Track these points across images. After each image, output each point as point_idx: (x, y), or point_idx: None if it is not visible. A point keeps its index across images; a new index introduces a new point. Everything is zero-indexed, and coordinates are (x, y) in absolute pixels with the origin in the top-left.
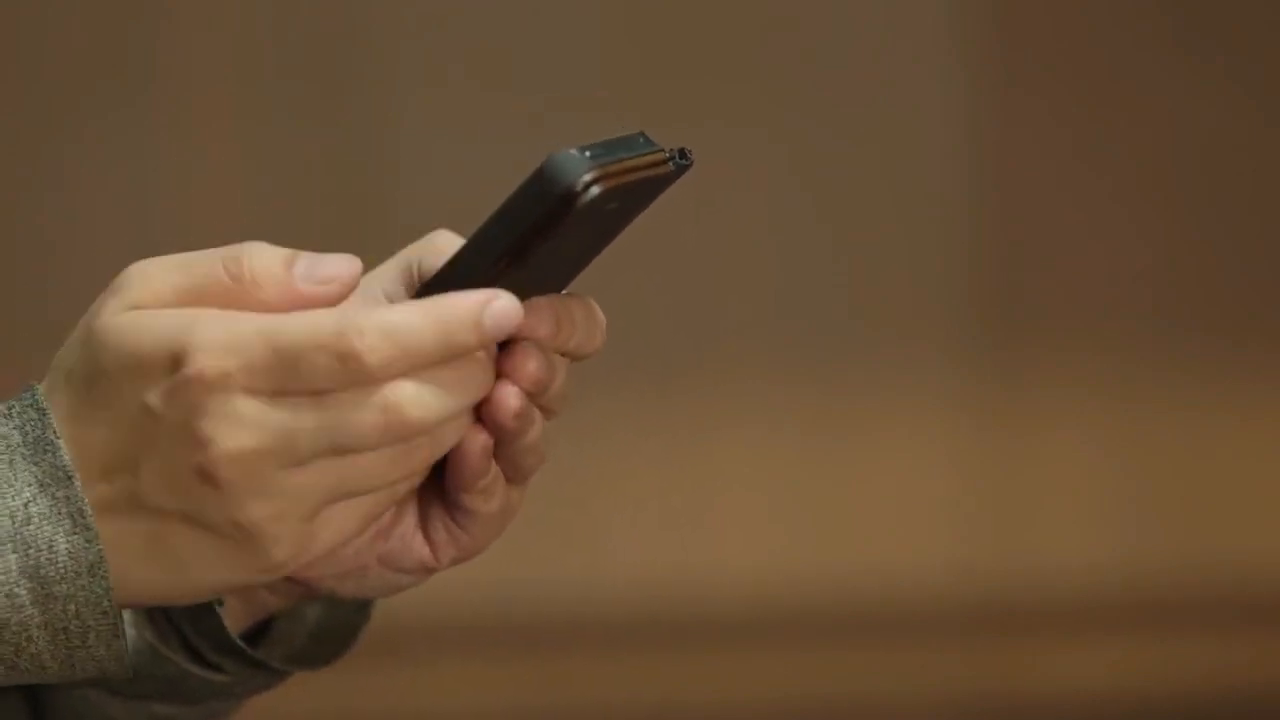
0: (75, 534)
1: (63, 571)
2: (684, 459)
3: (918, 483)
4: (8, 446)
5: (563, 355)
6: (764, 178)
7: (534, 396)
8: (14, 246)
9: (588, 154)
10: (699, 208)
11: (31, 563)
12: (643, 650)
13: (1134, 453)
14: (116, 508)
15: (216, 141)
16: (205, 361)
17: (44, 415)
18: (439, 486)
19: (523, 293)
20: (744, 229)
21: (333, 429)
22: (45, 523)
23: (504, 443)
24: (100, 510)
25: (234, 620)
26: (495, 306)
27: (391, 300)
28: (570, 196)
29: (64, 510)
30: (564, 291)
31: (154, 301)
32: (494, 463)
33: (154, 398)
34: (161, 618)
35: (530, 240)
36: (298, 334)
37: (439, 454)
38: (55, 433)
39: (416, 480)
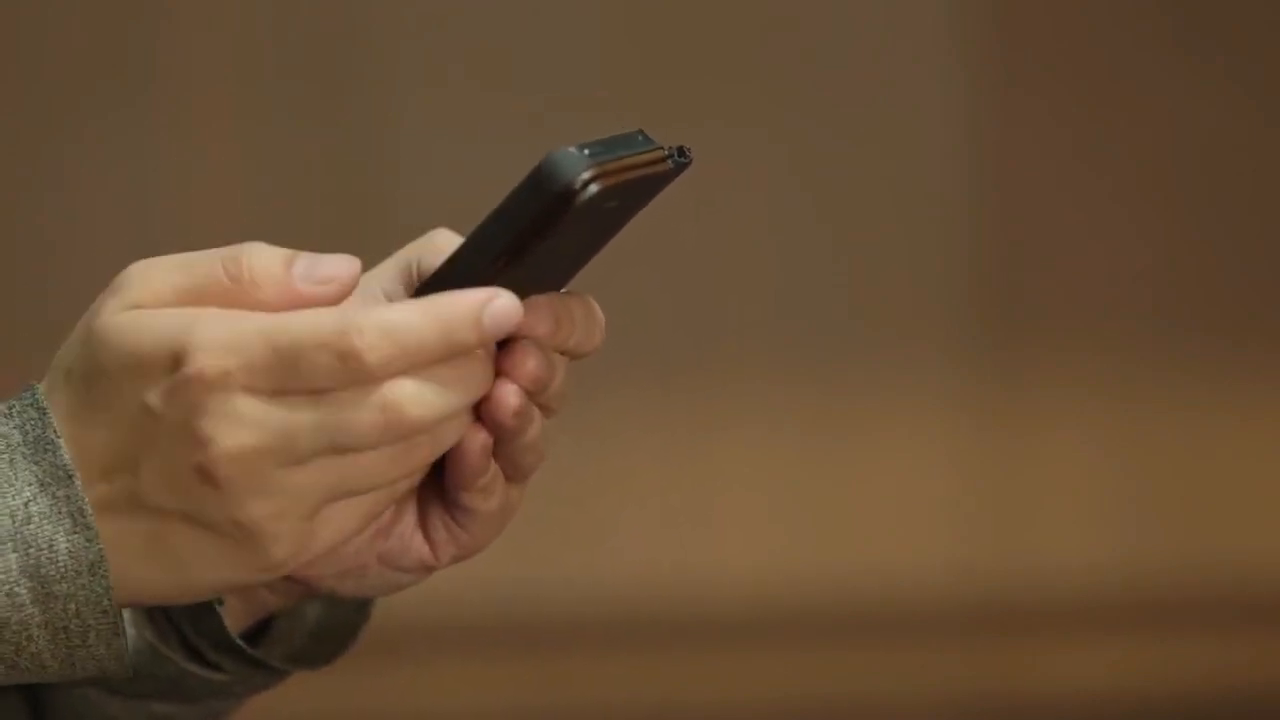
0: (75, 533)
1: (63, 570)
2: (684, 458)
3: (918, 483)
4: (8, 446)
5: (562, 353)
6: (764, 178)
7: (533, 395)
8: (14, 246)
9: (586, 152)
10: (699, 208)
11: (32, 562)
12: (643, 650)
13: (1134, 453)
14: (116, 507)
15: (216, 141)
16: (205, 360)
17: (44, 414)
18: (439, 485)
19: (522, 291)
20: (744, 229)
21: (332, 428)
22: (45, 522)
23: (503, 441)
24: (100, 509)
25: (234, 619)
26: (495, 305)
27: (391, 299)
28: (568, 194)
29: (64, 509)
30: (563, 290)
31: (154, 301)
32: (493, 461)
33: (154, 397)
34: (161, 617)
35: (529, 238)
36: (298, 333)
37: (439, 452)
38: (55, 432)
39: (416, 479)
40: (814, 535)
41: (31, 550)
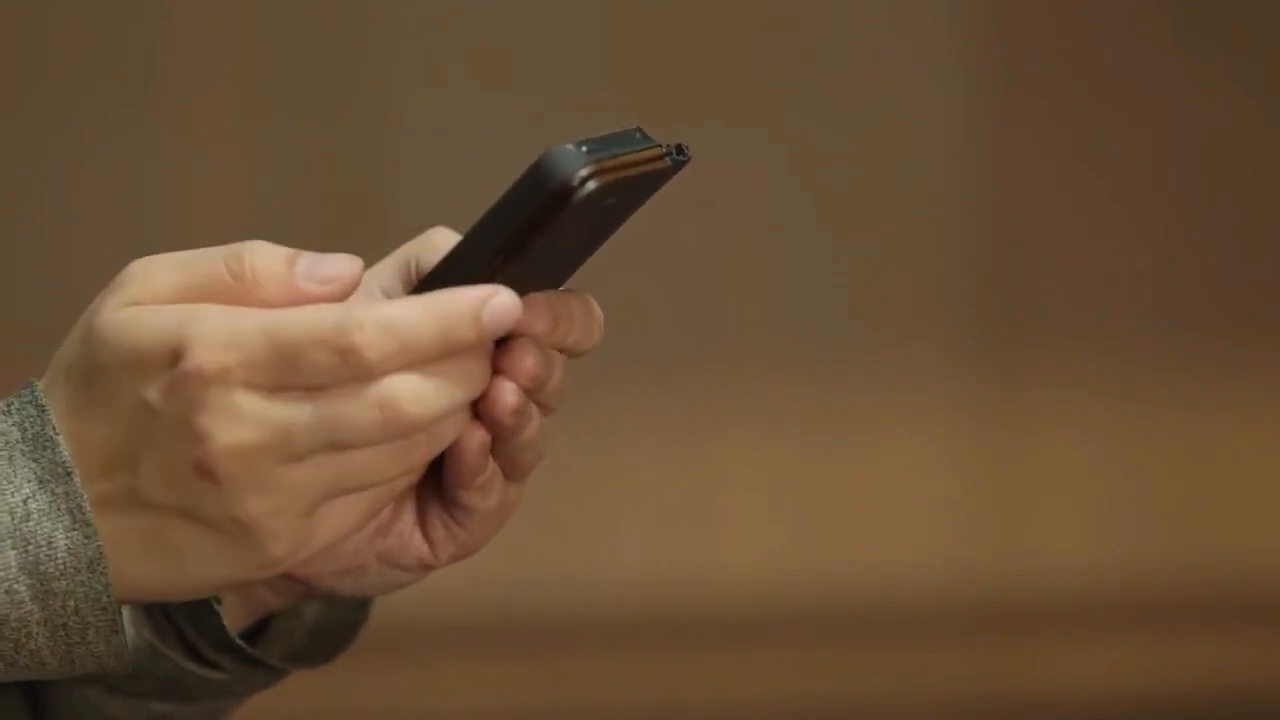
0: (74, 530)
1: (62, 567)
2: (684, 458)
3: (918, 483)
4: (7, 443)
5: (560, 351)
6: (764, 178)
7: (531, 393)
8: (14, 246)
9: (584, 149)
10: (699, 208)
11: (31, 559)
12: (643, 650)
13: (1134, 453)
14: (115, 504)
15: (216, 141)
16: (204, 356)
17: (43, 411)
18: (437, 483)
19: (520, 288)
20: (744, 229)
21: (331, 425)
22: (44, 519)
23: (501, 439)
24: (99, 506)
25: (233, 618)
26: (494, 302)
27: (389, 297)
28: (566, 191)
29: (63, 506)
30: (561, 288)
31: (155, 298)
32: (492, 459)
33: (153, 393)
34: (160, 616)
35: (526, 235)
36: (297, 329)
37: (437, 450)
38: (54, 429)
39: (415, 477)
40: (814, 535)
41: (30, 547)
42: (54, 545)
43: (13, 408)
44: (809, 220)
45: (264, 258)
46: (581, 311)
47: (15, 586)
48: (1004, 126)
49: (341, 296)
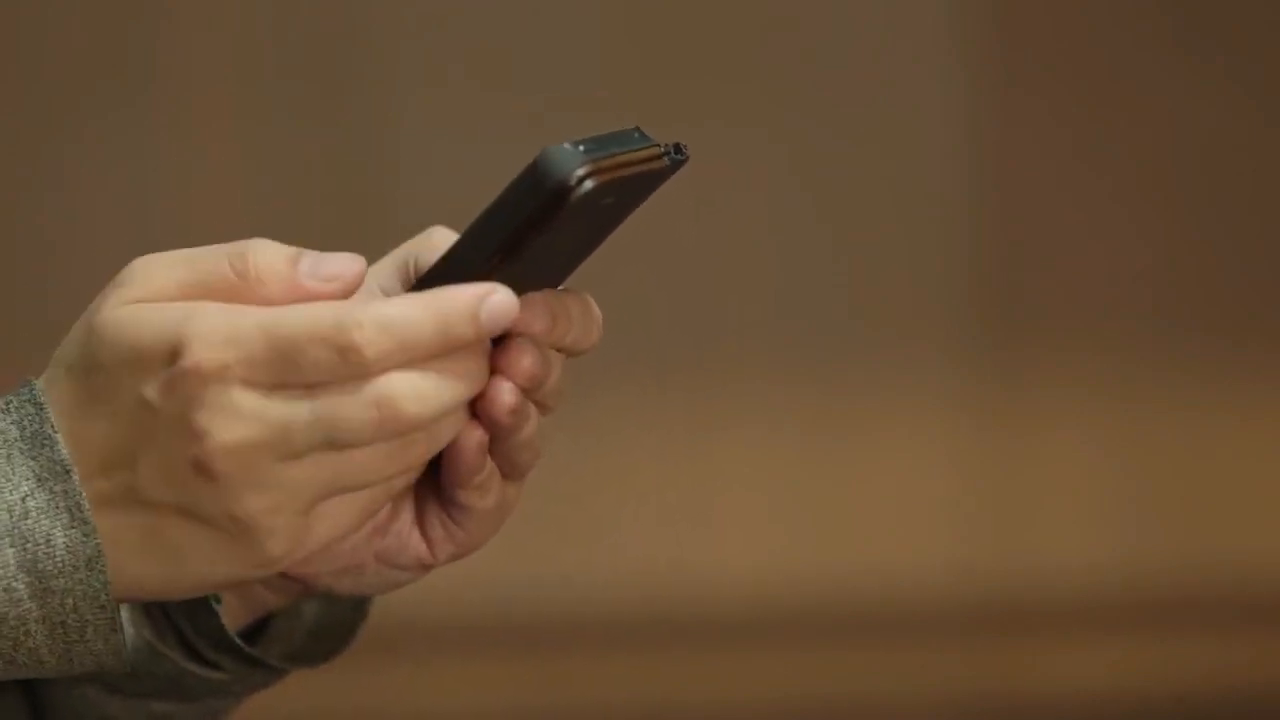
0: (73, 528)
1: (60, 565)
2: (683, 457)
3: (918, 483)
4: (5, 441)
5: (559, 351)
6: (764, 178)
7: (529, 392)
8: (14, 246)
9: (582, 148)
10: (699, 208)
11: (29, 557)
12: (642, 650)
13: (1134, 453)
14: (114, 502)
15: (216, 141)
16: (203, 354)
17: (41, 410)
18: (435, 483)
19: (518, 287)
20: (744, 229)
21: (328, 423)
22: (43, 517)
23: (499, 438)
24: (98, 504)
25: (232, 618)
26: (493, 300)
27: (388, 295)
28: (564, 191)
29: (62, 504)
30: (560, 287)
31: (156, 296)
32: (490, 459)
33: (151, 391)
34: (160, 615)
35: (524, 235)
36: (296, 327)
37: (435, 449)
38: (53, 427)
39: (413, 476)
40: (814, 535)
41: (29, 545)
42: (52, 543)
43: (11, 406)
44: (809, 220)
45: (267, 256)
46: (580, 311)
47: (13, 584)
48: (1004, 126)
49: (344, 295)
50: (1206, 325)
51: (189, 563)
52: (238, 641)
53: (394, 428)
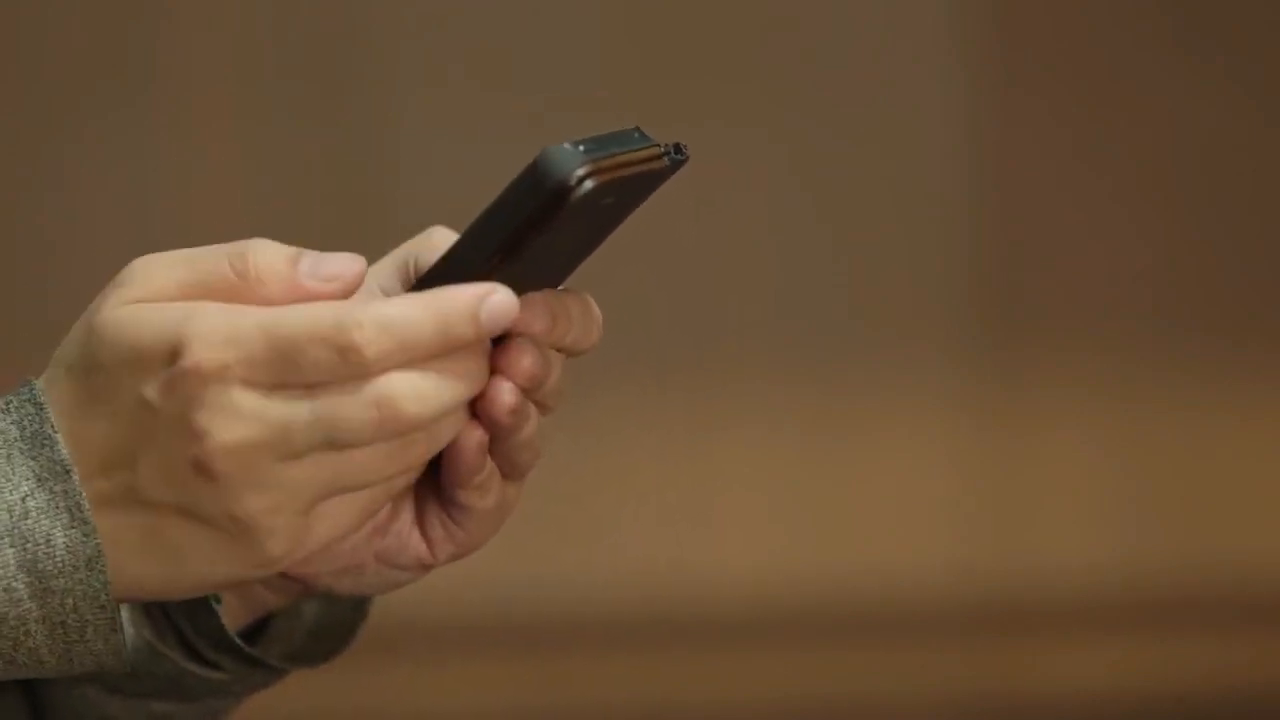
0: (73, 528)
1: (60, 565)
2: (683, 457)
3: (918, 483)
4: (5, 441)
5: (559, 351)
6: (764, 178)
7: (529, 392)
8: (14, 246)
9: (581, 148)
10: (699, 208)
11: (29, 557)
12: (642, 650)
13: (1134, 453)
14: (114, 501)
15: (216, 141)
16: (203, 353)
17: (41, 409)
18: (435, 483)
19: (518, 288)
20: (744, 229)
21: (328, 423)
22: (43, 516)
23: (499, 439)
24: (98, 504)
25: (232, 618)
26: (492, 300)
27: (388, 296)
28: (563, 191)
29: (61, 504)
30: (560, 287)
31: (156, 296)
32: (490, 459)
33: (152, 390)
34: (159, 615)
35: (524, 235)
36: (296, 327)
37: (435, 450)
38: (53, 427)
39: (413, 477)
40: (814, 535)
41: (29, 545)
42: (52, 543)
43: (11, 406)
44: (809, 220)
45: (267, 256)
46: (580, 311)
47: (13, 584)
48: (1004, 126)
49: (344, 295)
50: (1206, 325)
51: (189, 563)
52: (238, 641)
53: (394, 428)
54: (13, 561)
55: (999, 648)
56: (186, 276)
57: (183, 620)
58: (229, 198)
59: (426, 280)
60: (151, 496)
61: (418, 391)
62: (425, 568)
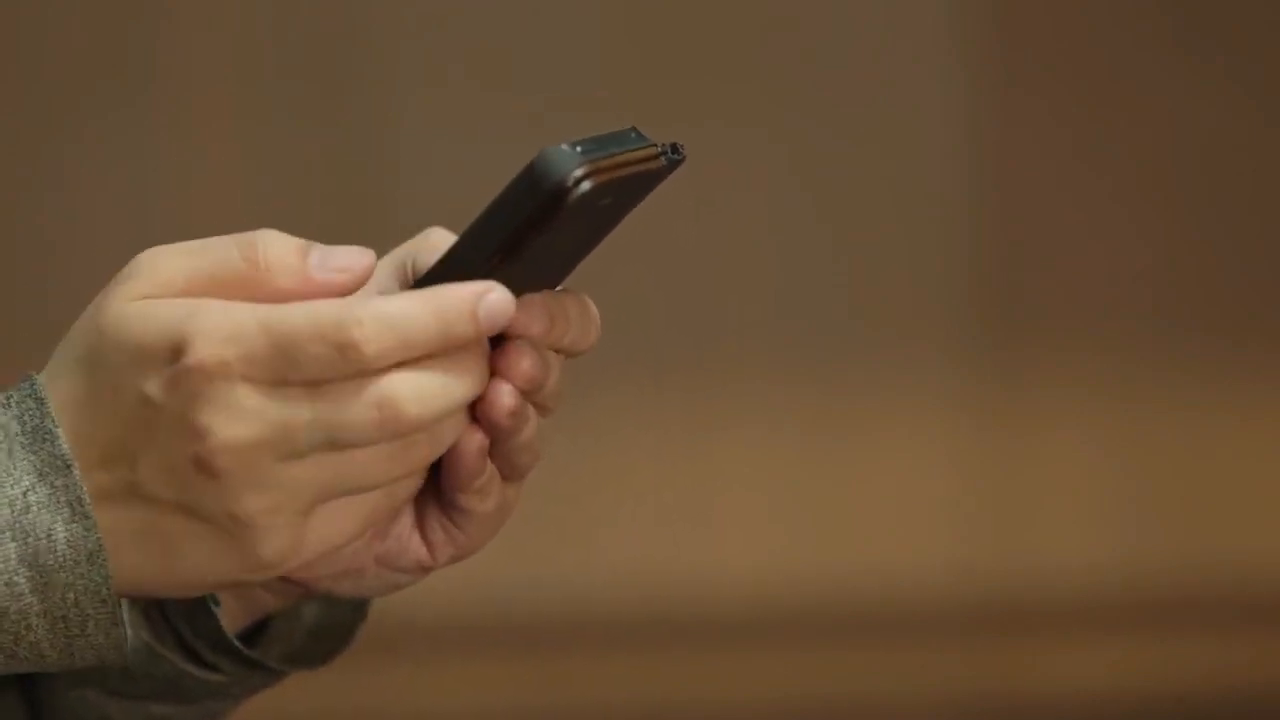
0: (74, 522)
1: (61, 560)
2: (684, 458)
3: (918, 483)
4: (6, 435)
5: (557, 352)
6: (764, 178)
7: (528, 394)
8: (14, 246)
9: (579, 149)
10: (699, 208)
11: (30, 551)
12: (642, 650)
13: (1134, 453)
14: (114, 497)
15: (216, 141)
16: (205, 351)
17: (42, 404)
18: (435, 486)
19: (516, 288)
20: (744, 229)
21: (330, 423)
22: (44, 511)
23: (499, 441)
24: (98, 499)
25: (231, 620)
26: (490, 298)
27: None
28: (561, 191)
29: (62, 499)
30: (558, 288)
31: (162, 290)
32: (489, 461)
33: (153, 387)
34: (158, 617)
35: (522, 235)
36: (297, 324)
37: (438, 453)
38: (54, 421)
39: (416, 483)
40: (814, 535)
41: (30, 539)
42: (53, 538)
43: (12, 400)
44: (809, 220)
45: (277, 247)
46: (578, 312)
47: (15, 579)
48: (1004, 126)
49: (353, 287)
50: (1206, 325)
51: (186, 560)
52: (236, 643)
53: (395, 428)
54: (14, 556)
55: (999, 648)
56: (194, 268)
57: (181, 622)
58: (229, 198)
59: (425, 281)
60: (152, 493)
61: (419, 392)
62: (425, 570)
